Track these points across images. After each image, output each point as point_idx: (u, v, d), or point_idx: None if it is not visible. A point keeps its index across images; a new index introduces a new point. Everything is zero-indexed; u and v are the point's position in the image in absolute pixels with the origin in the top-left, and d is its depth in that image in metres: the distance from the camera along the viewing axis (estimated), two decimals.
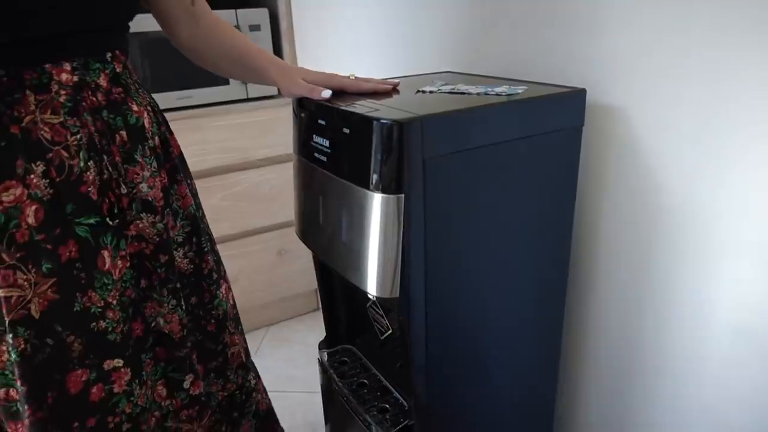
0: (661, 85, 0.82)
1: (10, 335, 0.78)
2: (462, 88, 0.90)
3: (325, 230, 0.88)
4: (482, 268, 0.85)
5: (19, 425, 0.86)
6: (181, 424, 1.07)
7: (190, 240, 1.01)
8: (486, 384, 0.94)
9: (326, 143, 0.83)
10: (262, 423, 1.28)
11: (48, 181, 0.77)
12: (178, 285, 1.00)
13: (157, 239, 0.93)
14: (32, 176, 0.76)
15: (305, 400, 1.73)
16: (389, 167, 0.72)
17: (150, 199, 0.89)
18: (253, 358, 2.01)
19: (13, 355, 0.80)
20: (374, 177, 0.74)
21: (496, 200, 0.82)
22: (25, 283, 0.77)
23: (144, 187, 0.89)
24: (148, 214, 0.90)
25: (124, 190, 0.86)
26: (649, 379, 0.96)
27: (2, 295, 0.76)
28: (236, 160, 1.89)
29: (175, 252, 0.99)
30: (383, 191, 0.73)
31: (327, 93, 0.86)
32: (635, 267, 0.93)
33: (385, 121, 0.71)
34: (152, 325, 0.97)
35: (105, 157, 0.84)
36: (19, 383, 0.81)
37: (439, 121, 0.74)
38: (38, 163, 0.76)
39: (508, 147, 0.79)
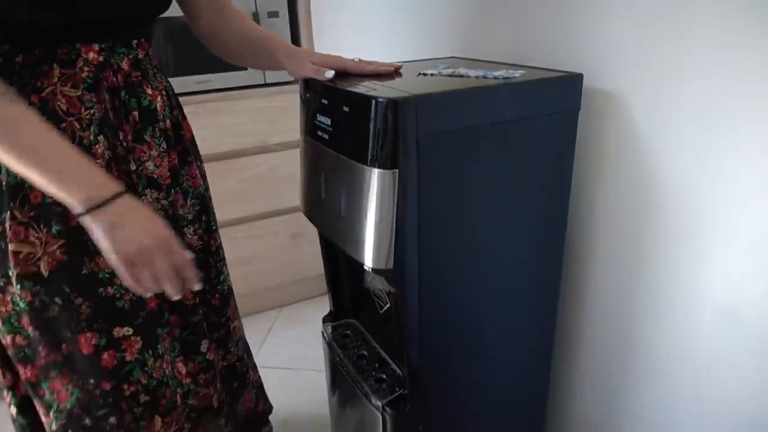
0: (661, 72, 0.83)
1: (18, 287, 0.83)
2: (462, 71, 0.93)
3: (326, 205, 0.92)
4: (476, 244, 0.88)
5: (28, 368, 0.91)
6: (199, 388, 1.12)
7: (200, 218, 1.06)
8: (479, 357, 0.98)
9: (328, 122, 0.87)
10: (257, 395, 1.36)
11: None
12: None
13: (162, 214, 0.98)
14: None
15: (315, 378, 1.78)
16: (384, 144, 0.76)
17: (155, 176, 0.94)
18: (267, 337, 2.09)
19: (21, 304, 0.85)
20: (371, 153, 0.77)
21: (490, 180, 0.85)
22: (37, 241, 0.83)
23: (150, 165, 0.93)
24: (153, 191, 0.95)
25: (133, 166, 0.91)
26: (641, 361, 0.99)
27: (12, 249, 0.82)
28: (253, 144, 1.94)
29: (186, 229, 1.04)
30: (379, 166, 0.77)
31: (330, 73, 0.90)
32: (633, 253, 0.95)
33: (381, 100, 0.75)
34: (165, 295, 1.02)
35: (120, 134, 0.89)
36: (30, 329, 0.87)
37: (433, 100, 0.77)
38: None
39: (501, 128, 0.82)
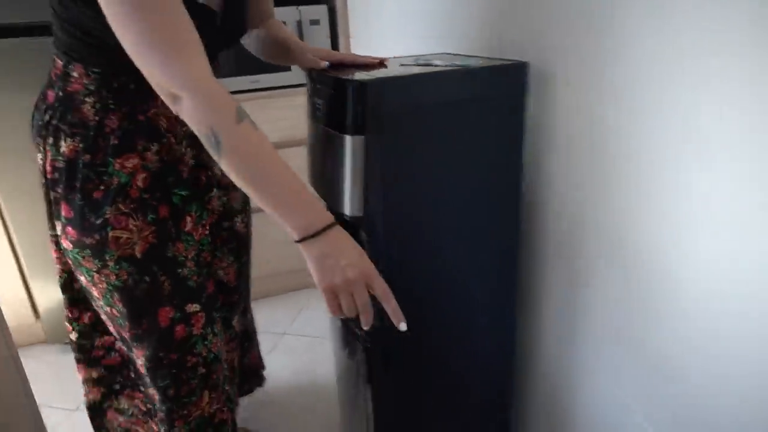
0: (601, 59, 0.96)
1: (117, 267, 1.00)
2: (435, 62, 1.12)
3: (319, 170, 1.13)
4: (436, 200, 1.07)
5: (123, 332, 1.10)
6: (227, 355, 1.32)
7: (245, 209, 1.28)
8: (444, 296, 1.16)
9: (321, 102, 1.08)
10: (259, 354, 1.60)
11: (158, 158, 1.02)
12: (236, 245, 1.26)
13: (221, 209, 1.18)
14: (148, 153, 1.00)
15: None
16: (356, 116, 0.97)
17: (220, 177, 1.14)
18: (301, 311, 2.35)
19: (116, 283, 1.01)
20: (346, 123, 0.98)
21: (444, 147, 1.03)
22: (134, 228, 0.99)
23: (217, 169, 1.12)
24: (219, 190, 1.15)
25: (209, 171, 1.10)
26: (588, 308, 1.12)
27: (113, 235, 0.98)
28: (297, 136, 2.19)
29: (236, 218, 1.25)
30: (351, 134, 0.98)
31: (325, 64, 1.12)
32: (588, 207, 1.10)
33: (353, 82, 0.96)
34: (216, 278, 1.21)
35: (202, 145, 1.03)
36: (120, 305, 1.04)
37: (392, 83, 0.98)
38: (154, 144, 1.01)
39: (451, 106, 1.01)
